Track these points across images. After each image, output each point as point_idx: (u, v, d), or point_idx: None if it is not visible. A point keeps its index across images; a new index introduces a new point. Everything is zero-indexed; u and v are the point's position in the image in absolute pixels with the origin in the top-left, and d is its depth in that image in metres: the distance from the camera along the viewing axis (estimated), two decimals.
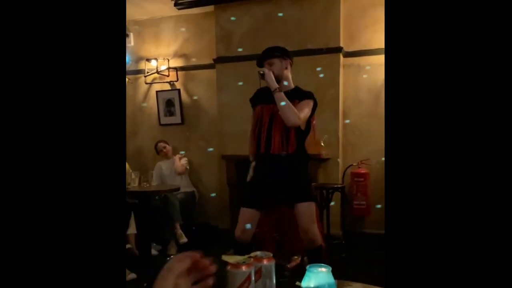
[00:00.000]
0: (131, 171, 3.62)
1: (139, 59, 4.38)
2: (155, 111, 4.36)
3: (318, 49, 3.49)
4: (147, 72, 4.27)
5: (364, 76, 3.53)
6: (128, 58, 4.36)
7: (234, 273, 0.73)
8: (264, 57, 2.12)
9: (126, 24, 4.25)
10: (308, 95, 2.07)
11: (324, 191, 3.30)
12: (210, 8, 3.93)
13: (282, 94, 1.98)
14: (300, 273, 0.79)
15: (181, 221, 3.50)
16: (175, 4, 3.92)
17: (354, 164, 3.53)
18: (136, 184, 3.45)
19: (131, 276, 2.64)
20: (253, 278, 0.75)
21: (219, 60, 3.88)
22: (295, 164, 2.04)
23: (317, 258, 1.95)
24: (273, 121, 2.03)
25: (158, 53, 4.29)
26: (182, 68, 4.23)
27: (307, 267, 0.78)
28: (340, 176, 3.58)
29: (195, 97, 4.22)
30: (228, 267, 0.74)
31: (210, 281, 0.52)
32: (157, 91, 4.30)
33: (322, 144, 3.39)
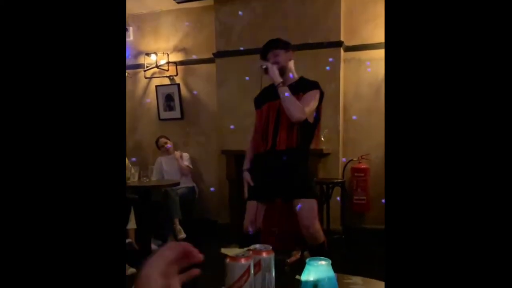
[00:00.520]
0: (130, 165, 3.62)
1: (138, 53, 4.36)
2: (154, 105, 4.35)
3: (319, 43, 3.47)
4: (147, 67, 4.26)
5: (369, 69, 3.49)
6: (127, 52, 4.34)
7: (233, 266, 0.73)
8: (269, 48, 2.08)
9: (126, 18, 4.23)
10: (313, 85, 2.04)
11: (324, 186, 3.29)
12: (209, 2, 3.91)
13: (286, 88, 1.96)
14: (299, 268, 0.78)
15: (180, 216, 3.49)
16: None
17: (354, 159, 3.53)
18: (136, 179, 3.45)
19: (131, 270, 2.64)
20: (252, 271, 0.75)
21: (219, 54, 3.86)
22: (297, 160, 2.03)
23: (319, 254, 1.95)
24: (280, 117, 2.01)
25: (158, 48, 4.27)
26: (181, 63, 4.22)
27: (307, 260, 0.77)
28: (340, 171, 3.57)
29: (194, 92, 4.21)
30: (227, 260, 0.74)
31: (196, 271, 0.52)
32: (156, 86, 4.29)
33: (322, 139, 3.38)
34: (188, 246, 0.49)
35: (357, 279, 0.99)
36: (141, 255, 3.05)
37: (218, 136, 3.91)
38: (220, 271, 0.77)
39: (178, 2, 3.99)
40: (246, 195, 2.14)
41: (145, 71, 4.29)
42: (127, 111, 4.32)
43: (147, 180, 3.56)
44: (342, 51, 3.56)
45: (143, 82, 4.40)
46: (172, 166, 3.95)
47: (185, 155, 4.04)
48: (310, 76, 2.13)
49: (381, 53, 3.44)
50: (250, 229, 2.04)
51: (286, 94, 1.93)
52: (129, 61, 4.32)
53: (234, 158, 3.72)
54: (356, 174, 3.53)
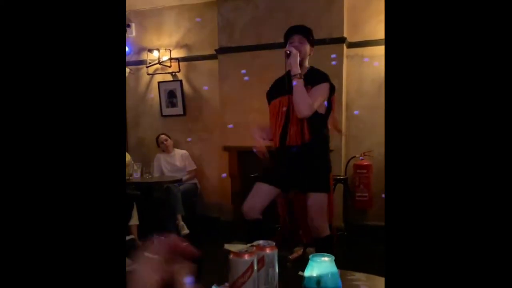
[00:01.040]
0: (132, 162, 3.62)
1: (141, 49, 4.36)
2: (157, 102, 4.34)
3: (322, 39, 3.45)
4: (149, 63, 4.25)
5: (375, 64, 3.47)
6: (129, 48, 4.34)
7: (236, 262, 0.73)
8: (297, 31, 2.06)
9: (128, 14, 4.22)
10: (323, 78, 2.03)
11: None
12: None
13: (302, 82, 1.95)
14: (302, 265, 0.78)
15: (183, 213, 3.50)
16: None
17: (357, 155, 3.52)
18: (139, 175, 3.46)
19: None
20: (255, 267, 0.75)
21: (221, 50, 3.85)
22: (311, 154, 2.02)
23: (323, 248, 1.95)
24: (290, 112, 2.01)
25: (160, 44, 4.26)
26: (184, 59, 4.21)
27: (310, 256, 0.78)
28: (342, 168, 3.56)
29: (197, 88, 4.20)
30: (231, 256, 0.74)
31: (191, 265, 0.51)
32: (159, 82, 4.28)
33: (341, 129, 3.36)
34: (176, 239, 0.48)
35: (360, 275, 0.99)
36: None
37: (220, 132, 3.91)
38: (223, 266, 0.77)
39: None
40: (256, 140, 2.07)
41: (147, 67, 4.28)
42: (130, 107, 4.33)
43: (150, 176, 3.56)
44: (345, 47, 3.55)
45: (145, 78, 4.39)
46: (170, 165, 3.95)
47: (185, 152, 4.04)
48: None
49: (383, 49, 3.42)
50: (249, 214, 2.00)
51: (300, 88, 1.93)
52: (131, 57, 4.32)
53: (236, 154, 3.72)
54: (358, 170, 3.52)
